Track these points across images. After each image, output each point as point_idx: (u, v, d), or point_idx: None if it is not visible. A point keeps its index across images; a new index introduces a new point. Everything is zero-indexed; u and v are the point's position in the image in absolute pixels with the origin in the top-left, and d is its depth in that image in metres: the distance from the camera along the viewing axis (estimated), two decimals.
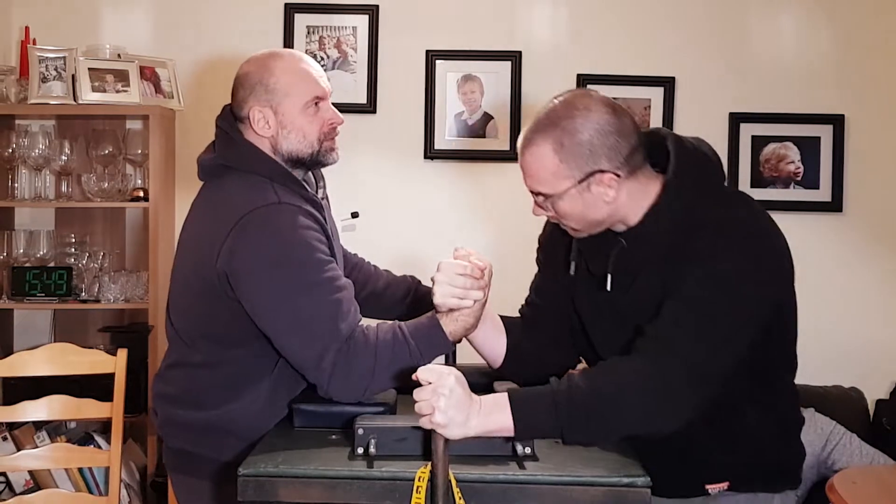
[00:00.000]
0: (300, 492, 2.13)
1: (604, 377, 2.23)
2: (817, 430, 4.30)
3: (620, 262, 2.41)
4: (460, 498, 2.07)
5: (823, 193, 4.89)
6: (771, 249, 2.33)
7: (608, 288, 2.42)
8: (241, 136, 2.71)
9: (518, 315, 2.75)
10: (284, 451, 2.26)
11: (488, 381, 2.72)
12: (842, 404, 4.64)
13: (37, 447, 3.99)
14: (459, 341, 2.56)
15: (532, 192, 2.41)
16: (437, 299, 2.46)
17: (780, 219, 4.60)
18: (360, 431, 2.21)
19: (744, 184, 4.85)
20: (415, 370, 2.16)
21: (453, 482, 2.07)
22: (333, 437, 2.38)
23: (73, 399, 3.74)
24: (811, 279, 4.71)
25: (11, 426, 4.30)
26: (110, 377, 3.74)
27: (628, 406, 2.19)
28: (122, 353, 3.77)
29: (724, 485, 2.44)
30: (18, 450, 4.09)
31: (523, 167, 2.39)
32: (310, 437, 2.39)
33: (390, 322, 2.56)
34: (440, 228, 4.83)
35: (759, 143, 4.89)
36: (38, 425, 4.38)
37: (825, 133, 4.88)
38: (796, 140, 4.89)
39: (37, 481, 4.29)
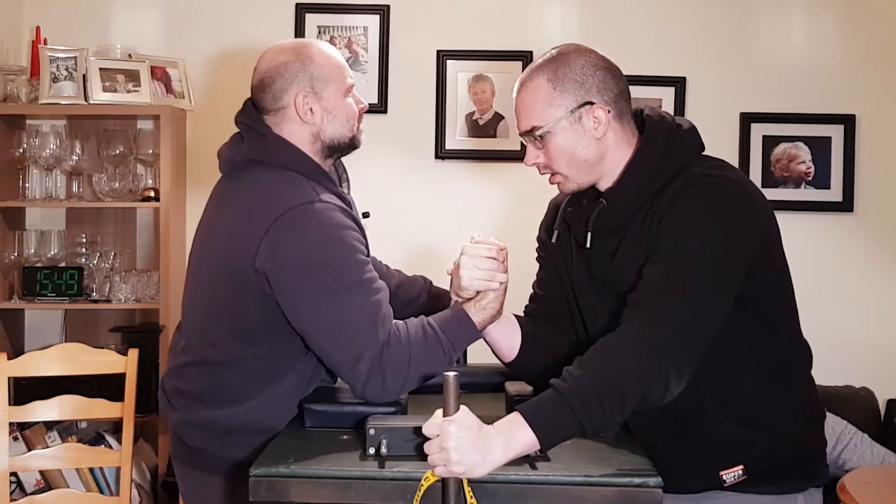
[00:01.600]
0: (312, 492, 2.11)
1: (600, 359, 2.20)
2: (828, 430, 4.10)
3: (600, 221, 2.42)
4: (472, 498, 2.05)
5: (834, 193, 4.86)
6: (745, 194, 2.35)
7: (587, 245, 2.45)
8: (270, 130, 2.67)
9: (524, 314, 2.73)
10: (296, 451, 2.24)
11: (501, 379, 2.78)
12: (853, 404, 4.62)
13: (48, 447, 4.01)
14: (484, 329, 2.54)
15: (525, 132, 2.44)
16: (465, 282, 2.46)
17: (791, 219, 4.81)
18: (372, 431, 2.20)
19: (755, 183, 4.72)
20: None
21: (465, 482, 2.05)
22: (345, 437, 2.37)
23: (84, 399, 3.75)
24: (822, 279, 4.82)
25: (22, 426, 4.27)
26: (121, 377, 3.76)
27: (632, 378, 2.15)
28: (133, 354, 3.79)
29: (739, 468, 2.38)
30: (29, 450, 4.08)
31: (517, 109, 2.45)
32: (321, 437, 2.38)
33: (417, 319, 2.54)
34: (451, 228, 4.79)
35: (770, 143, 4.86)
36: (49, 425, 4.36)
37: (836, 133, 4.85)
38: (807, 140, 4.85)
39: (48, 481, 4.27)
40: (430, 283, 3.17)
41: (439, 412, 2.08)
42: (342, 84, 2.69)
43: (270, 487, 2.11)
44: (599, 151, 2.40)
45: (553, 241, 2.60)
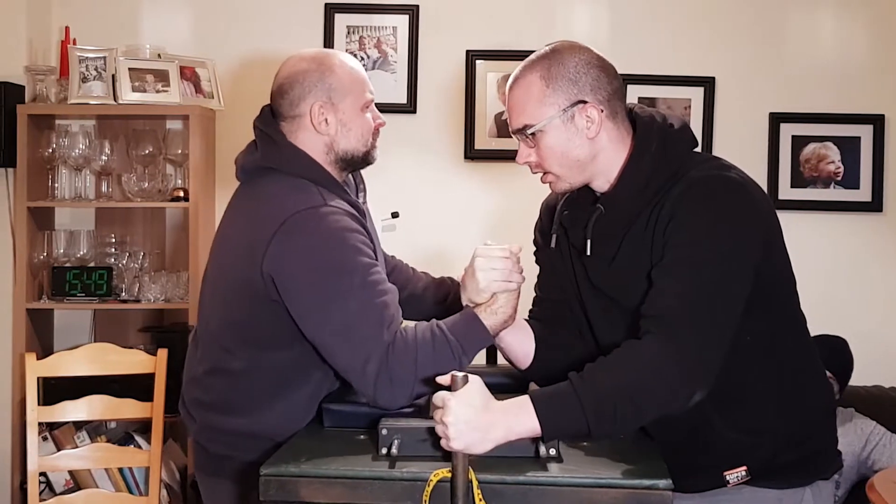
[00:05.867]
0: (322, 492, 2.10)
1: (622, 365, 2.16)
2: (857, 431, 4.19)
3: (598, 228, 2.36)
4: (480, 499, 2.03)
5: (864, 193, 4.76)
6: (748, 194, 2.28)
7: (587, 253, 2.38)
8: (284, 137, 2.64)
9: (530, 318, 2.68)
10: (310, 451, 2.23)
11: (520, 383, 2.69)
12: (882, 405, 4.50)
13: (77, 447, 4.04)
14: (497, 335, 2.48)
15: (517, 131, 2.37)
16: (482, 284, 2.40)
17: (821, 219, 4.70)
18: (384, 432, 2.19)
19: (784, 183, 4.74)
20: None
21: (475, 483, 2.04)
22: (361, 437, 2.35)
23: (113, 399, 3.80)
24: (851, 279, 4.78)
25: (52, 426, 4.24)
26: (150, 377, 3.81)
27: (653, 390, 2.12)
28: (163, 354, 3.83)
29: (742, 469, 2.32)
30: (59, 450, 4.07)
31: (510, 105, 2.38)
32: (338, 437, 2.37)
33: (428, 322, 2.48)
34: (480, 230, 4.71)
35: (799, 143, 4.76)
36: (79, 425, 4.32)
37: (865, 133, 4.75)
38: (836, 140, 4.76)
39: (77, 481, 4.25)
40: (458, 284, 3.05)
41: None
42: (360, 98, 2.66)
43: (281, 487, 2.10)
44: (592, 151, 2.33)
45: (552, 245, 2.52)
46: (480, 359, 2.73)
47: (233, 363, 2.60)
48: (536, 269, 2.66)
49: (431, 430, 2.13)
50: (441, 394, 2.10)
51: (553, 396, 2.12)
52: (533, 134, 2.33)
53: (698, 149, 2.40)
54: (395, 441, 2.16)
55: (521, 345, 2.57)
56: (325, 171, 2.61)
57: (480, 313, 2.43)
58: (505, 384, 2.73)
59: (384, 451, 2.16)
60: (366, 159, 2.71)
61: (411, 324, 2.48)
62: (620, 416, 2.09)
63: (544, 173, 2.40)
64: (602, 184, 2.38)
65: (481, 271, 2.39)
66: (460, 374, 2.09)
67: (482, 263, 2.40)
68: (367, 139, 2.68)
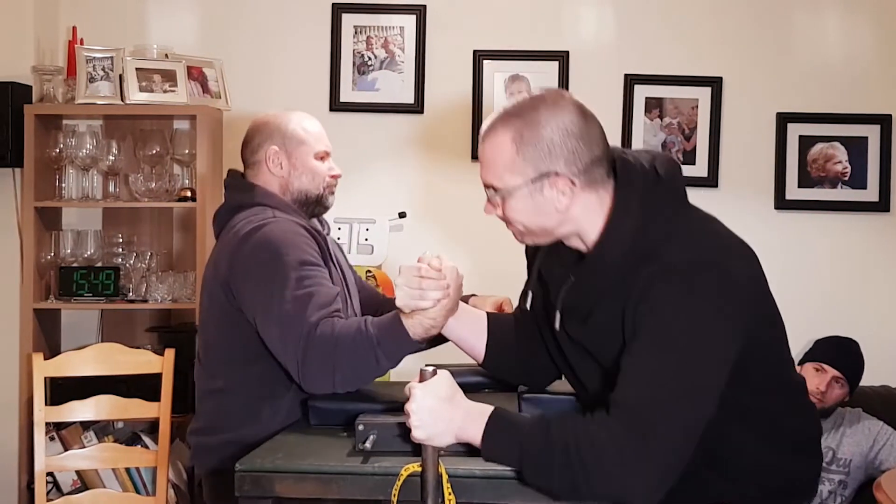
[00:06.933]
0: (295, 487, 2.14)
1: (577, 434, 2.04)
2: (865, 431, 4.17)
3: (570, 297, 2.28)
4: (450, 493, 2.06)
5: (871, 193, 4.72)
6: (727, 281, 2.12)
7: (556, 326, 2.34)
8: (248, 182, 2.99)
9: (513, 314, 2.69)
10: (288, 447, 2.28)
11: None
12: (890, 405, 4.47)
13: (84, 447, 4.02)
14: (424, 340, 2.52)
15: (485, 185, 2.27)
16: (398, 302, 2.42)
17: (828, 219, 4.67)
18: (361, 427, 2.21)
19: (791, 184, 4.70)
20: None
21: (444, 477, 2.06)
22: (344, 434, 2.38)
23: (120, 399, 3.79)
24: (857, 279, 4.75)
25: (59, 426, 4.22)
26: (157, 377, 3.79)
27: (595, 471, 2.01)
28: (170, 353, 3.82)
29: None
30: (66, 450, 4.06)
31: (480, 157, 2.29)
32: (321, 434, 2.42)
33: (358, 317, 2.64)
34: (487, 230, 4.55)
35: (806, 143, 4.72)
36: (86, 425, 4.31)
37: (872, 133, 4.72)
38: (844, 140, 4.72)
39: (84, 481, 4.23)
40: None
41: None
42: (313, 148, 3.00)
43: (255, 482, 2.13)
44: (560, 220, 2.21)
45: (528, 307, 2.49)
46: None
47: (215, 384, 2.83)
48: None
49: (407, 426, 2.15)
50: (410, 383, 2.13)
51: (508, 425, 2.10)
52: (500, 195, 2.23)
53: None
54: (372, 436, 2.18)
55: (472, 346, 2.60)
56: (284, 199, 2.93)
57: (405, 318, 2.45)
58: (492, 383, 2.77)
59: (361, 446, 2.18)
60: (320, 202, 3.00)
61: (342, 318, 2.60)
62: (557, 483, 2.03)
63: (509, 224, 2.30)
64: (578, 243, 2.27)
65: (398, 288, 2.40)
66: (430, 367, 2.13)
67: (399, 281, 2.39)
68: (320, 183, 2.98)
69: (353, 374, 2.49)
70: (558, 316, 2.30)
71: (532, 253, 2.52)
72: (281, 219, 2.77)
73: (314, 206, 3.00)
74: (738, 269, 2.17)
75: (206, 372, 2.86)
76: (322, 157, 3.00)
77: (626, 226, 2.16)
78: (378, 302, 3.18)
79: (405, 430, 2.13)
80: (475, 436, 2.09)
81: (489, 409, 2.12)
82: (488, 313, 2.67)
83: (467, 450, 2.13)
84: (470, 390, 2.31)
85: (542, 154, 2.15)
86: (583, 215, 2.20)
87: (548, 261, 2.37)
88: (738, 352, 2.12)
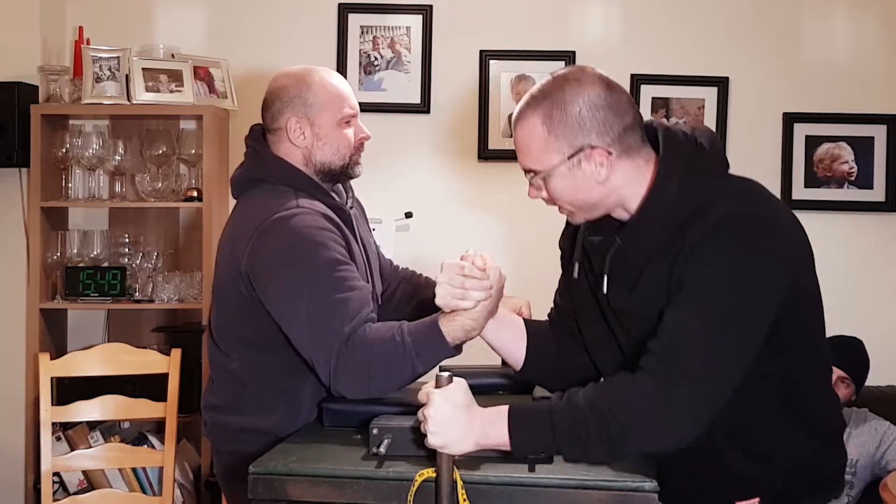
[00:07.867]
0: (308, 490, 2.11)
1: (605, 395, 2.10)
2: (871, 431, 4.15)
3: (617, 261, 2.25)
4: (465, 500, 2.03)
5: (877, 193, 4.73)
6: (776, 233, 2.14)
7: (604, 290, 2.29)
8: (269, 150, 2.79)
9: (547, 318, 2.62)
10: (302, 449, 2.26)
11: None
12: None
13: (90, 447, 4.03)
14: (461, 345, 2.46)
15: (525, 170, 2.26)
16: (438, 300, 2.36)
17: (834, 219, 4.63)
18: (375, 431, 2.18)
19: (797, 184, 4.71)
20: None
21: (459, 483, 2.04)
22: (358, 436, 2.36)
23: (126, 399, 3.78)
24: (864, 279, 4.73)
25: (65, 426, 4.22)
26: (164, 377, 3.79)
27: (631, 427, 2.05)
28: (176, 353, 3.82)
29: (755, 501, 2.24)
30: (72, 450, 4.05)
31: (516, 144, 2.26)
32: (335, 436, 2.39)
33: (394, 322, 2.52)
34: (494, 230, 4.69)
35: (812, 143, 4.72)
36: (92, 425, 4.31)
37: (879, 133, 4.72)
38: (850, 140, 4.72)
39: (90, 481, 4.23)
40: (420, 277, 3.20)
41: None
42: (338, 113, 2.76)
43: (268, 485, 2.12)
44: (603, 192, 2.20)
45: (574, 276, 2.41)
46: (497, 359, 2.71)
47: (231, 364, 2.72)
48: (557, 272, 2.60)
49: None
50: (426, 388, 2.12)
51: (529, 413, 2.10)
52: (541, 178, 2.23)
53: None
54: (386, 440, 2.15)
55: (511, 351, 2.54)
56: (308, 177, 2.73)
57: (443, 321, 2.40)
58: (506, 385, 2.75)
59: (375, 450, 2.15)
60: (346, 172, 2.81)
61: (376, 323, 2.52)
62: (594, 447, 2.05)
63: (560, 206, 2.30)
64: (623, 213, 2.26)
65: (439, 286, 2.34)
66: (445, 374, 2.10)
67: (441, 278, 2.34)
68: (345, 153, 2.77)
69: (390, 382, 2.44)
70: (605, 280, 2.27)
71: (568, 243, 2.49)
72: (305, 209, 2.60)
73: (339, 175, 2.81)
74: (787, 226, 2.19)
75: (221, 348, 2.76)
76: (348, 120, 2.80)
77: (671, 188, 2.16)
78: (415, 285, 3.12)
79: (420, 435, 2.11)
80: (499, 437, 2.08)
81: (503, 407, 2.11)
82: (525, 319, 2.62)
83: (482, 455, 2.11)
84: (483, 393, 2.29)
85: (573, 130, 2.15)
86: (624, 183, 2.19)
87: (591, 232, 2.35)
88: (781, 304, 2.11)
